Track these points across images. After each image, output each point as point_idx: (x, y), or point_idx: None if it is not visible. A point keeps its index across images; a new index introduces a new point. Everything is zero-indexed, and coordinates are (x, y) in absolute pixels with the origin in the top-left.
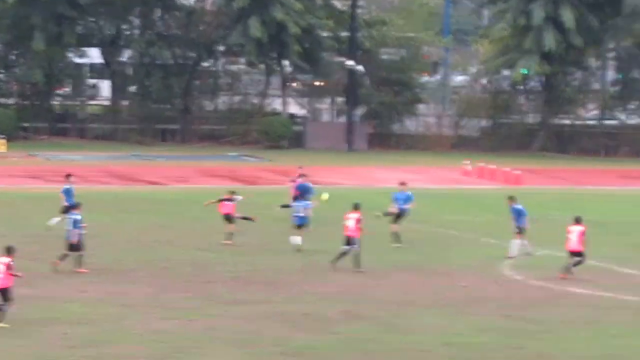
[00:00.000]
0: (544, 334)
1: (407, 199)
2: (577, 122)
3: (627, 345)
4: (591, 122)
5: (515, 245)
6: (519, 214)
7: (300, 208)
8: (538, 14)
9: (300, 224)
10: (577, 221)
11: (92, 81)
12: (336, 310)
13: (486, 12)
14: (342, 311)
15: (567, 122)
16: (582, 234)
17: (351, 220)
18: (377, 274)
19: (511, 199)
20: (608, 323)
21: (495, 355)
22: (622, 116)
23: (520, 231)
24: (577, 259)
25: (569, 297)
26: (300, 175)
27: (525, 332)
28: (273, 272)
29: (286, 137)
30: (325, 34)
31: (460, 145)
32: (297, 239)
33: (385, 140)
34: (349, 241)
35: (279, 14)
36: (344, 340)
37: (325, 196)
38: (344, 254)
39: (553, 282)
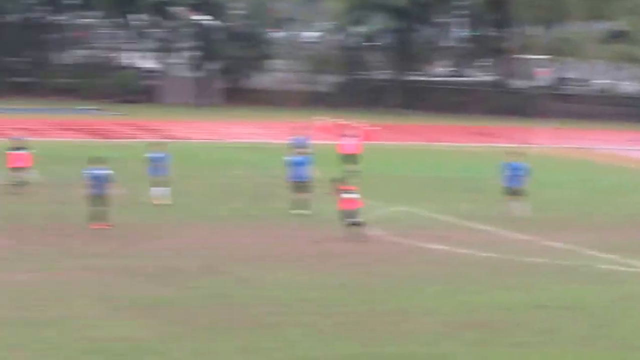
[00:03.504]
0: (398, 289)
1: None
2: (428, 79)
3: (482, 302)
4: (442, 79)
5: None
6: None
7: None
8: None
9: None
10: None
11: None
12: (194, 265)
13: None
14: (200, 265)
15: (418, 78)
16: None
17: None
18: (233, 229)
19: None
20: (464, 279)
21: (349, 311)
22: (473, 73)
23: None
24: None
25: (424, 253)
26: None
27: (379, 288)
28: (129, 226)
29: (139, 91)
30: None
31: (313, 101)
32: (158, 193)
33: (238, 95)
34: None
35: None
36: (200, 295)
37: None
38: None
39: (408, 238)
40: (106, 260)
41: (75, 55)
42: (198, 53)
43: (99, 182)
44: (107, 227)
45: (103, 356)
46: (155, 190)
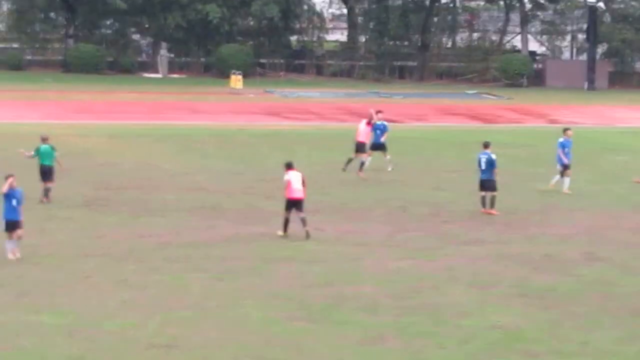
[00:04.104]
0: None
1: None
2: None
3: None
4: None
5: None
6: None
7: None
8: None
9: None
10: None
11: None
12: (576, 252)
13: None
14: (583, 252)
15: None
16: None
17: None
18: (617, 215)
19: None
20: None
21: None
22: None
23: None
24: None
25: None
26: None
27: None
28: (511, 212)
29: (525, 75)
30: None
31: None
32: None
33: (626, 78)
34: None
35: None
36: (584, 282)
37: None
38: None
39: None
40: (486, 247)
41: (461, 38)
42: (585, 36)
43: (487, 167)
44: (495, 214)
45: (477, 345)
46: (556, 179)
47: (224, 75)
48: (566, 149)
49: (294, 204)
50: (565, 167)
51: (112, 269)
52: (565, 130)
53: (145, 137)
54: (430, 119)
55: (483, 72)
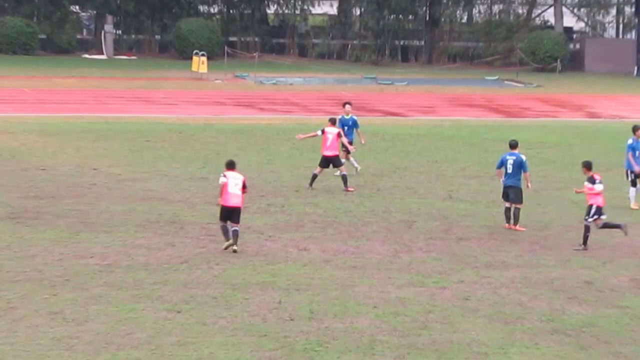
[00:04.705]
0: None
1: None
2: None
3: None
4: None
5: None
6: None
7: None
8: None
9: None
10: None
11: None
12: (622, 278)
13: None
14: (630, 279)
15: None
16: None
17: None
18: None
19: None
20: None
21: None
22: None
23: None
24: None
25: None
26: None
27: None
28: (541, 227)
29: (559, 57)
30: None
31: None
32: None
33: None
34: None
35: None
36: (631, 316)
37: None
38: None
39: None
40: (510, 271)
41: (479, 12)
42: (633, 9)
43: (515, 170)
44: (521, 230)
45: None
46: (633, 191)
47: (185, 56)
48: (637, 152)
49: (228, 213)
50: (637, 176)
51: (44, 298)
52: (635, 129)
53: (86, 134)
54: (440, 111)
55: (506, 54)
